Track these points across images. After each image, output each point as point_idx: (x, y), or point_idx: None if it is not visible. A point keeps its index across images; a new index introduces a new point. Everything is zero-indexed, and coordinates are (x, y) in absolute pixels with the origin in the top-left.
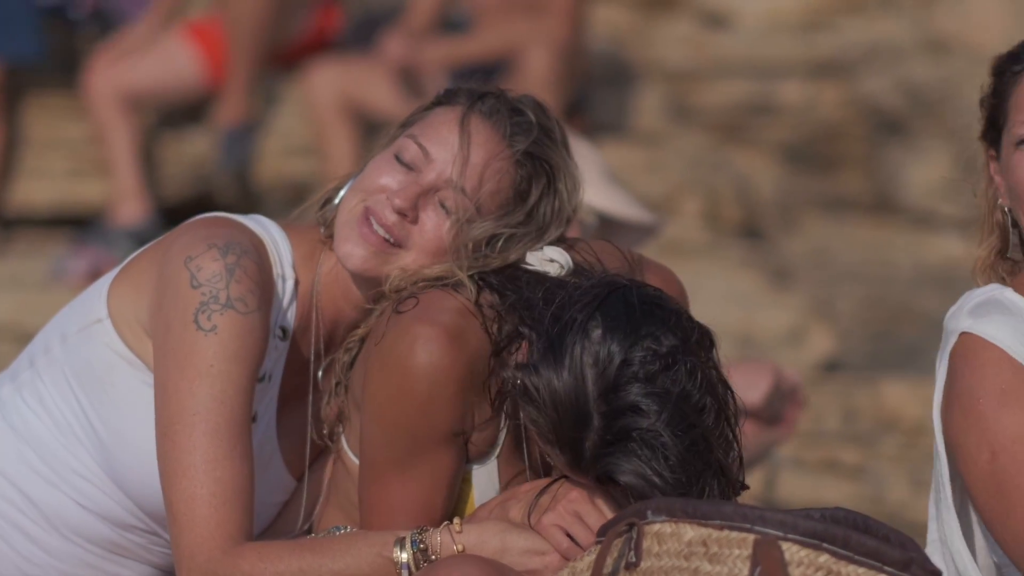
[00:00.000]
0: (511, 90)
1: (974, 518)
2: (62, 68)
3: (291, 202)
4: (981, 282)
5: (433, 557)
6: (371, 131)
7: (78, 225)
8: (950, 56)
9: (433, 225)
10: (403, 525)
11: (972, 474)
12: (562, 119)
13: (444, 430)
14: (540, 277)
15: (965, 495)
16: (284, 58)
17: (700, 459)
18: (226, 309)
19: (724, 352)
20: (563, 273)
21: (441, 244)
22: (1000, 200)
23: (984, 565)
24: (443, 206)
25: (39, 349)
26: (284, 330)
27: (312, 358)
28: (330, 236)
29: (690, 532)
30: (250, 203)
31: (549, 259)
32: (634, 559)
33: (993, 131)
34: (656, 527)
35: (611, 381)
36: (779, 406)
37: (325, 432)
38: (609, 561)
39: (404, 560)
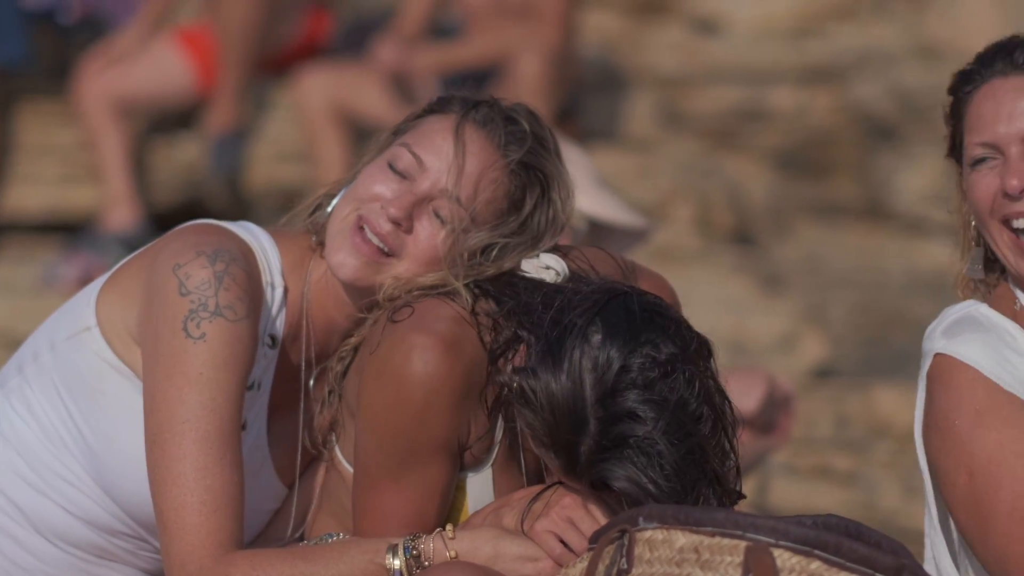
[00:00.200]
0: (504, 98)
1: (958, 537)
2: (53, 74)
3: (282, 208)
4: (963, 296)
5: (426, 563)
6: (362, 137)
7: (69, 231)
8: (942, 62)
9: (427, 235)
10: (396, 532)
11: (951, 495)
12: (553, 125)
13: (439, 439)
14: (538, 283)
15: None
16: (275, 64)
17: (696, 468)
18: (215, 317)
19: (717, 359)
20: (559, 280)
21: (435, 254)
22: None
23: None
24: (438, 215)
25: (28, 356)
26: (273, 338)
27: (303, 366)
28: (321, 244)
29: (682, 539)
30: (241, 209)
31: (545, 266)
32: (626, 566)
33: (957, 150)
34: (648, 534)
35: (609, 386)
36: (772, 415)
37: (318, 440)
38: (601, 567)
39: (397, 567)
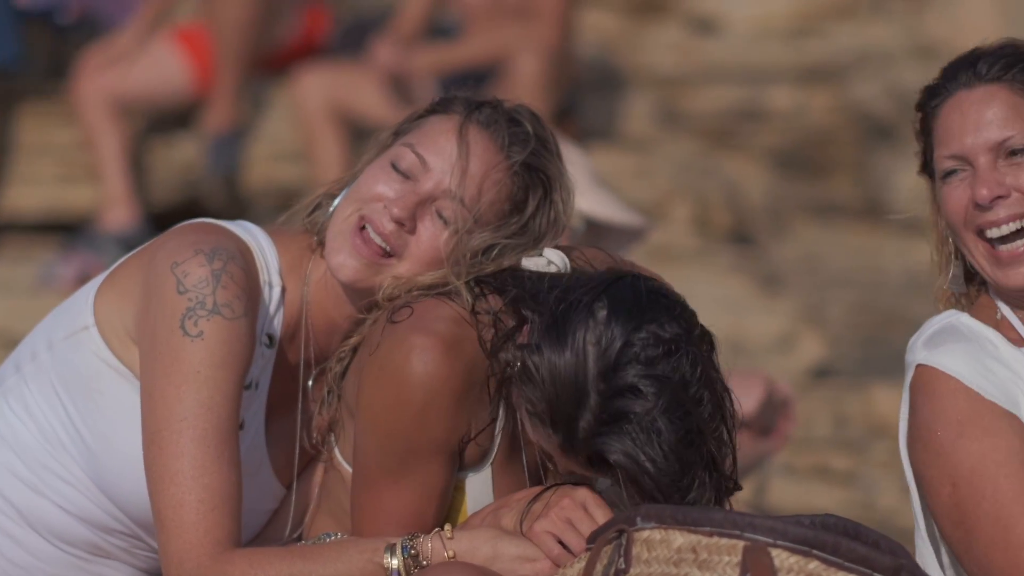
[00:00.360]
0: (507, 99)
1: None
2: (50, 74)
3: (279, 208)
4: (943, 309)
5: (424, 563)
6: (360, 137)
7: (67, 231)
8: (940, 61)
9: (430, 235)
10: (394, 533)
11: (936, 505)
12: (551, 125)
13: (439, 439)
14: (541, 275)
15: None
16: (272, 63)
17: (694, 450)
18: (212, 315)
19: (718, 355)
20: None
21: (436, 255)
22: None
23: None
24: (441, 216)
25: (26, 355)
26: (271, 337)
27: (301, 367)
28: (321, 244)
29: (679, 539)
30: (238, 209)
31: (548, 262)
32: (623, 566)
33: (928, 166)
34: (645, 534)
35: (612, 361)
36: (771, 417)
37: (316, 440)
38: (599, 567)
39: (395, 566)
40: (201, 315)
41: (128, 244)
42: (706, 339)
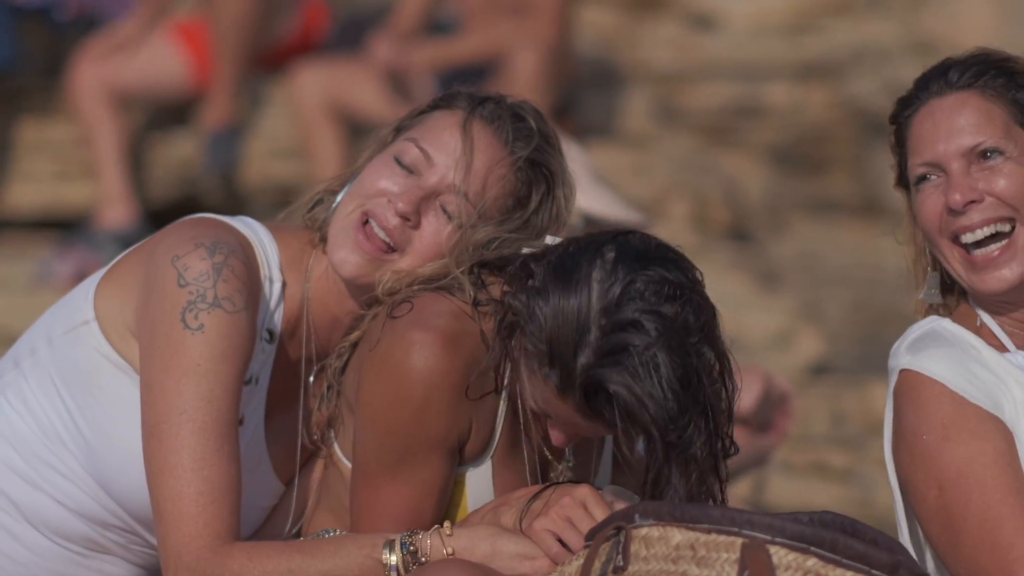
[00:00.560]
0: (510, 95)
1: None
2: (48, 71)
3: (277, 204)
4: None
5: (423, 560)
6: (357, 133)
7: (64, 228)
8: (938, 58)
9: (433, 230)
10: (393, 529)
11: (922, 509)
12: (550, 121)
13: (438, 435)
14: (545, 246)
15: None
16: (270, 60)
17: (691, 395)
18: (213, 308)
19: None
20: None
21: (439, 249)
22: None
23: None
24: (444, 211)
25: (24, 351)
26: (271, 332)
27: (303, 363)
28: (322, 240)
29: (678, 536)
30: (236, 205)
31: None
32: (622, 563)
33: (904, 178)
34: (644, 531)
35: (616, 297)
36: (769, 414)
37: (316, 436)
38: (597, 565)
39: (393, 562)
40: (202, 308)
41: (125, 241)
42: (709, 306)
